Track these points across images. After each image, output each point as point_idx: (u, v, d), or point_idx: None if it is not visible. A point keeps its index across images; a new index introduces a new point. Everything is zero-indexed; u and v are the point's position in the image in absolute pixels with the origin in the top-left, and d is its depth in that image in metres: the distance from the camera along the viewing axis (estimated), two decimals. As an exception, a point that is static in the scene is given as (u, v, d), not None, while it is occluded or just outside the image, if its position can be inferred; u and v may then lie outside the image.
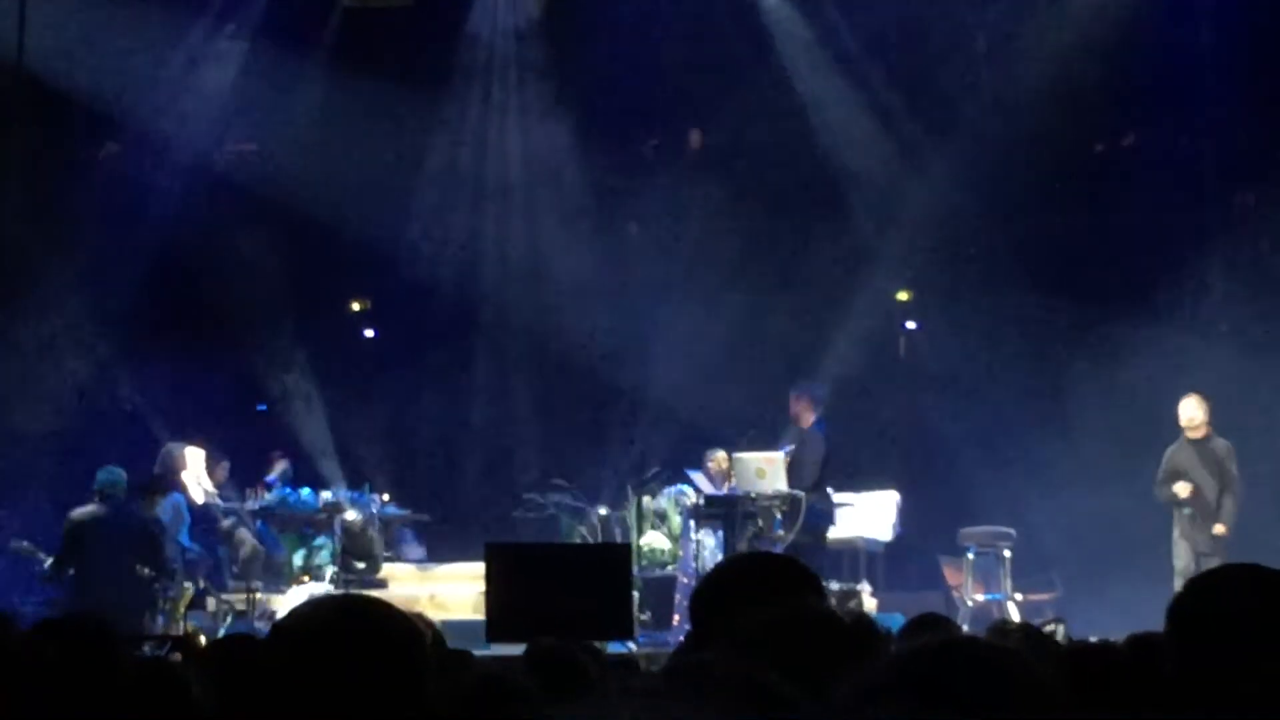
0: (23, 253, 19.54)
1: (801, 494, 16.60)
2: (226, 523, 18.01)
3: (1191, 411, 16.21)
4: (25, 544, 15.89)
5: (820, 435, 17.08)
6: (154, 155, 20.18)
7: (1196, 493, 16.01)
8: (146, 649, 7.48)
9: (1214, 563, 15.32)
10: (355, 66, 20.71)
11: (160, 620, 15.47)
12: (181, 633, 14.31)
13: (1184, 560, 15.98)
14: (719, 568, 4.73)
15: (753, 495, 16.49)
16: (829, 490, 16.98)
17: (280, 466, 19.13)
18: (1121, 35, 19.77)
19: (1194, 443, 16.14)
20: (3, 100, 19.20)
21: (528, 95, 21.56)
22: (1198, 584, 3.91)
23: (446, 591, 17.83)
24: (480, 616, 16.08)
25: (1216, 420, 16.48)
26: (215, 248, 20.76)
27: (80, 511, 15.28)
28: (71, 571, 15.16)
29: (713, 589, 4.27)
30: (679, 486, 17.87)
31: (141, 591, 15.18)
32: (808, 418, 17.20)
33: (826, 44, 20.79)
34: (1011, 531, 18.30)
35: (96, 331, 19.90)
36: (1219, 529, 15.88)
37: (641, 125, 21.46)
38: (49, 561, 15.33)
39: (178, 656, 8.00)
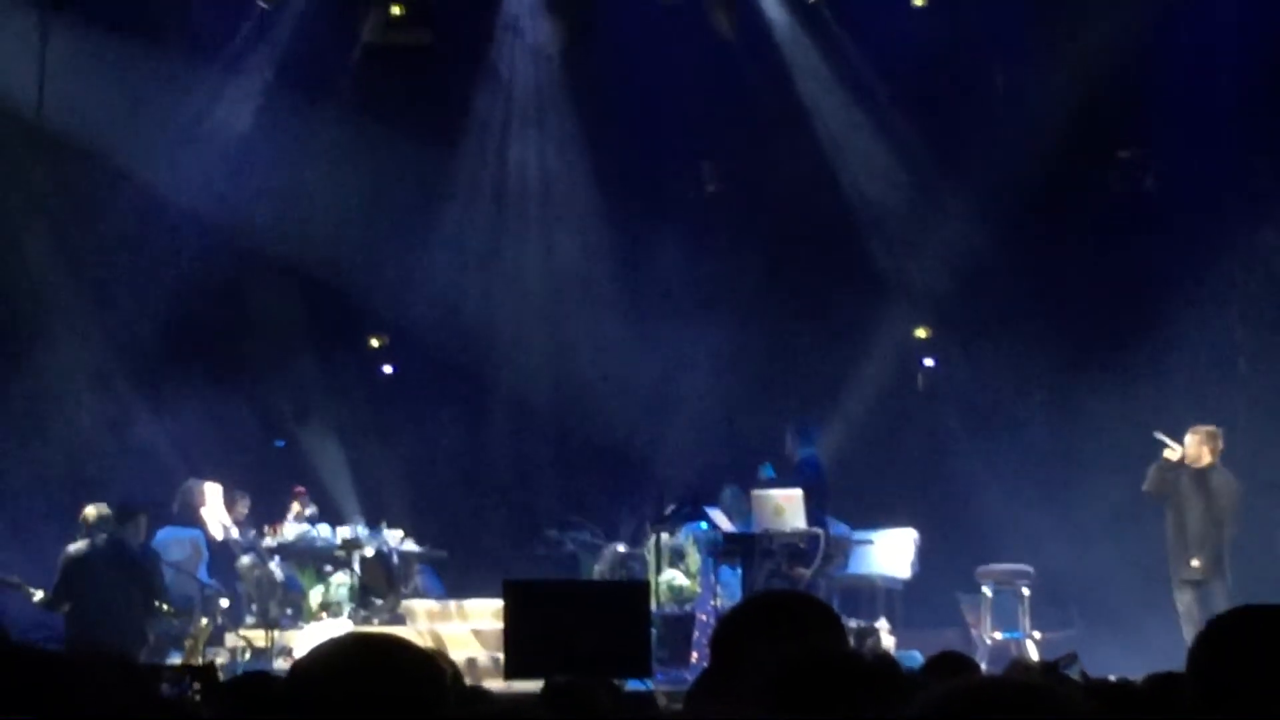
0: (44, 294, 19.63)
1: (820, 531, 16.62)
2: (245, 559, 18.01)
3: (1191, 447, 16.22)
4: (13, 578, 15.91)
5: (807, 468, 17.14)
6: (173, 196, 20.21)
7: (1178, 498, 16.11)
8: (165, 687, 7.45)
9: (1215, 588, 15.40)
10: (374, 104, 20.78)
11: (177, 656, 15.48)
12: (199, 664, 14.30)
13: (1186, 603, 16.00)
14: (741, 605, 4.73)
15: (771, 533, 16.50)
16: (826, 520, 17.05)
17: (297, 508, 19.07)
18: (1142, 73, 19.80)
19: (1193, 470, 16.16)
20: (24, 146, 19.32)
21: (547, 131, 21.58)
22: (1220, 625, 3.90)
23: (442, 629, 17.80)
24: (469, 653, 16.25)
25: (1237, 456, 16.47)
26: (234, 285, 20.80)
27: (73, 547, 15.35)
28: (68, 607, 15.22)
29: (734, 627, 4.27)
30: (698, 524, 17.84)
31: (137, 623, 15.22)
32: (795, 452, 17.34)
33: (846, 81, 20.80)
34: (1030, 569, 18.29)
35: (117, 369, 19.93)
36: (1195, 563, 15.91)
37: (661, 161, 21.45)
38: (38, 595, 15.38)
39: (197, 686, 7.99)
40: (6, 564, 16.32)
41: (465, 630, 17.65)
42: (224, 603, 17.27)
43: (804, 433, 17.59)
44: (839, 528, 17.63)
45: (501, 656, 14.53)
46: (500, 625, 14.89)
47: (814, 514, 16.75)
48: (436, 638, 16.94)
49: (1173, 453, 16.18)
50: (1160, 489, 16.29)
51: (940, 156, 20.82)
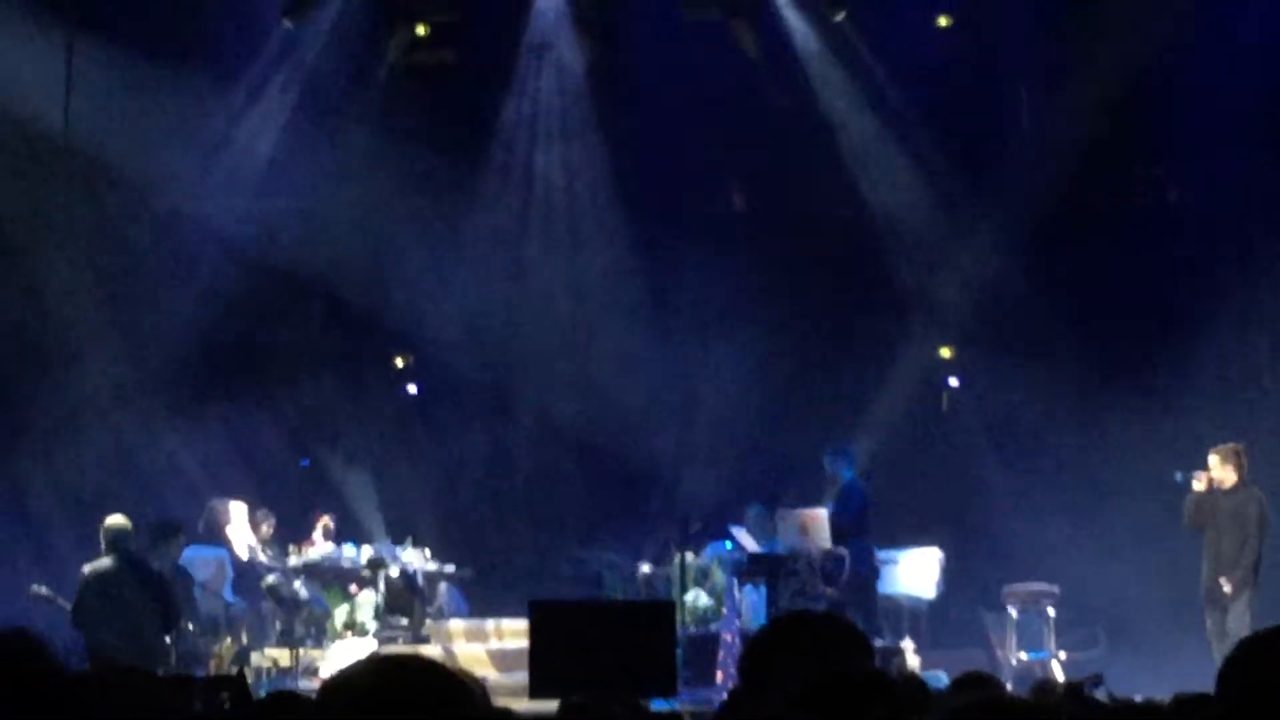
0: (71, 315, 19.69)
1: (845, 551, 16.61)
2: (270, 578, 18.01)
3: (1215, 467, 16.12)
4: (44, 590, 15.97)
5: (854, 495, 17.10)
6: (198, 215, 20.28)
7: (1211, 524, 16.02)
8: (198, 705, 7.48)
9: (1239, 608, 15.33)
10: (399, 123, 20.82)
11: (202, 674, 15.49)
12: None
13: (1213, 623, 15.94)
14: (768, 626, 4.74)
15: (796, 552, 16.49)
16: (870, 547, 17.03)
17: (325, 524, 19.08)
18: (1165, 87, 19.79)
19: (1222, 493, 16.07)
20: (50, 166, 19.42)
21: (572, 149, 21.59)
22: (1250, 645, 3.89)
23: (467, 648, 17.81)
24: (491, 672, 16.26)
25: (1263, 472, 16.40)
26: (258, 304, 20.84)
27: (91, 565, 15.36)
28: (88, 624, 15.25)
29: (762, 647, 4.28)
30: (722, 543, 17.85)
31: (158, 641, 15.23)
32: (837, 476, 17.30)
33: (870, 101, 20.79)
34: (1055, 589, 18.24)
35: (142, 388, 19.98)
36: (1226, 585, 15.85)
37: (686, 178, 21.48)
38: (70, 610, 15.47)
39: (226, 695, 8.02)
40: (34, 580, 16.39)
41: (490, 649, 17.66)
42: (275, 621, 17.33)
43: (844, 455, 17.49)
44: (866, 548, 17.63)
45: (526, 676, 14.54)
46: (525, 644, 14.91)
47: (860, 542, 16.77)
48: (462, 657, 16.95)
49: (1199, 482, 16.10)
50: (1198, 520, 16.18)
51: (964, 174, 20.82)
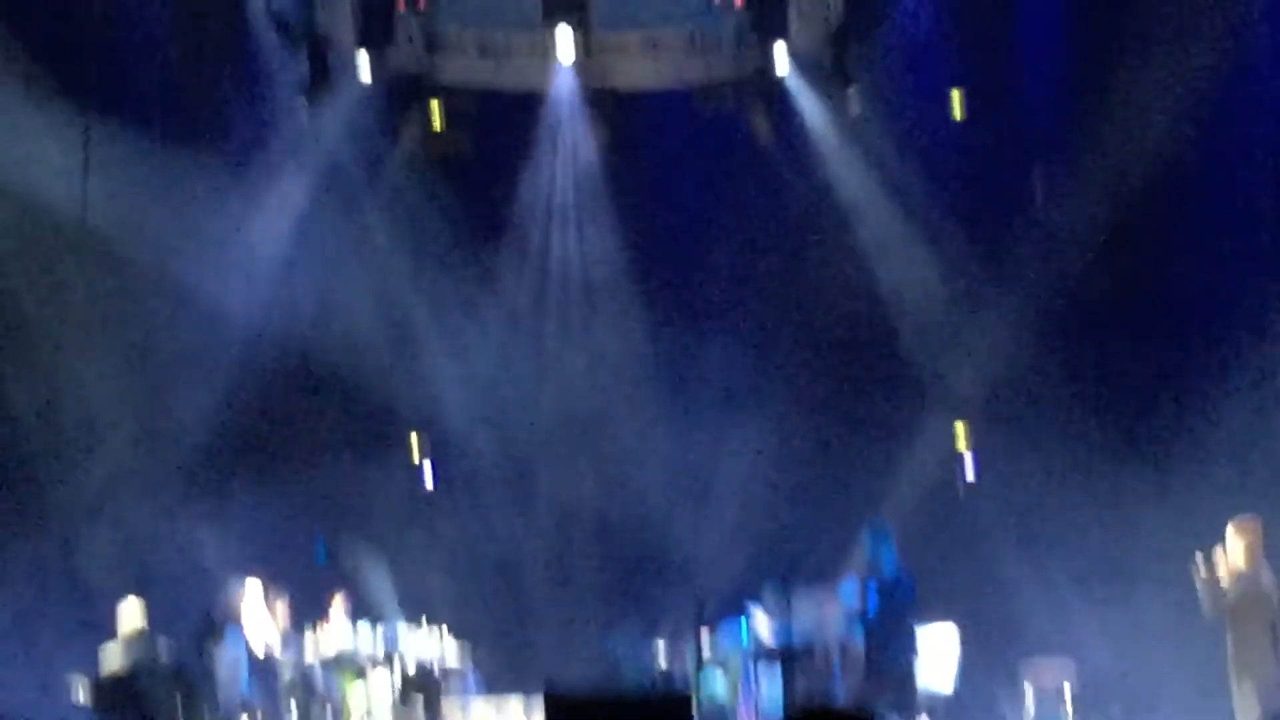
0: (89, 401, 19.75)
1: (860, 636, 16.58)
2: (287, 670, 17.96)
3: (1229, 539, 15.94)
4: (80, 683, 16.00)
5: (904, 580, 16.99)
6: (216, 300, 20.34)
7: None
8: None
9: (1244, 692, 15.24)
10: (415, 207, 20.93)
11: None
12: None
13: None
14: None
15: (812, 640, 16.46)
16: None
17: (340, 605, 19.10)
18: (1181, 172, 19.85)
19: (1240, 569, 15.94)
20: (68, 256, 19.51)
21: (587, 235, 21.66)
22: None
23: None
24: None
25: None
26: (275, 388, 20.88)
27: (107, 653, 15.36)
28: (105, 713, 15.27)
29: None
30: (738, 624, 17.83)
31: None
32: (878, 558, 17.14)
33: (884, 180, 20.86)
34: (1071, 666, 18.21)
35: (159, 475, 20.02)
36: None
37: (701, 266, 21.56)
38: None
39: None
40: (54, 670, 16.44)
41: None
42: (290, 702, 17.33)
43: (885, 535, 17.33)
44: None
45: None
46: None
47: (907, 636, 16.70)
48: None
49: (1220, 563, 15.91)
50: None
51: (980, 256, 20.89)
